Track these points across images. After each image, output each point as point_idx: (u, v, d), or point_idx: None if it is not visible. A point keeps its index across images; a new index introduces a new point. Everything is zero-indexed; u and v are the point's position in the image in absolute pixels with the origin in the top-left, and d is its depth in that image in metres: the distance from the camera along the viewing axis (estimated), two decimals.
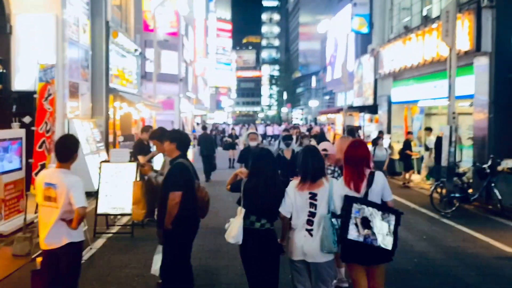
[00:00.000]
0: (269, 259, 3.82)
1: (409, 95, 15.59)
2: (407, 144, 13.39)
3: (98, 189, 7.51)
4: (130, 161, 7.88)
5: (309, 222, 3.71)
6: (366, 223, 3.64)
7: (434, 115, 15.46)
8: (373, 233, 3.64)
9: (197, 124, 43.09)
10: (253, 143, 8.44)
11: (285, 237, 3.89)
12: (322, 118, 34.42)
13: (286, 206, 3.78)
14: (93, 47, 13.42)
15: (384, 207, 3.76)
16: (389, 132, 16.59)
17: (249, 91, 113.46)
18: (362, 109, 20.02)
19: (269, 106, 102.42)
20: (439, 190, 10.08)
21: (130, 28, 17.17)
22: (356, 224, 3.64)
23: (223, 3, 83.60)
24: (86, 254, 6.26)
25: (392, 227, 3.69)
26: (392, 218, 3.71)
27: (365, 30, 19.79)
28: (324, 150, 5.23)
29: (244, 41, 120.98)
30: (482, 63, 11.17)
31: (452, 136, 10.83)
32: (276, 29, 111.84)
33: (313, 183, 3.75)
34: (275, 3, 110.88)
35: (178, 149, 4.48)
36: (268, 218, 3.83)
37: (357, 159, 3.84)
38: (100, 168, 7.67)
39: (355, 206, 3.66)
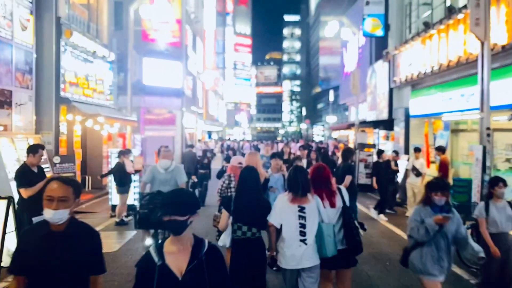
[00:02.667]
0: (259, 265, 4.21)
1: (430, 107, 12.66)
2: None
3: None
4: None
5: (302, 233, 4.12)
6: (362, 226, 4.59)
7: (462, 132, 12.44)
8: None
9: (215, 140, 40.67)
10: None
11: (274, 247, 4.27)
12: (334, 135, 31.49)
13: (275, 215, 4.18)
14: (39, 48, 11.09)
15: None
16: (406, 152, 13.67)
17: (270, 107, 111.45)
18: (376, 124, 17.12)
19: (290, 122, 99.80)
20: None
21: (102, 30, 14.87)
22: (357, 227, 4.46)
23: (242, 17, 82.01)
24: None
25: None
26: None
27: (379, 32, 16.96)
28: (240, 163, 5.78)
29: (267, 57, 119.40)
30: None
31: (486, 159, 7.99)
32: (298, 44, 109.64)
33: (301, 198, 4.20)
34: (297, 18, 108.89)
35: None
36: (258, 227, 4.24)
37: (323, 182, 4.44)
38: None
39: None
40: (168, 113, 29.12)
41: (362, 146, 16.95)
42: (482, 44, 8.16)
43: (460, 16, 9.85)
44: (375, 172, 12.00)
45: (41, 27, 11.27)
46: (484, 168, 8.27)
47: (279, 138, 70.16)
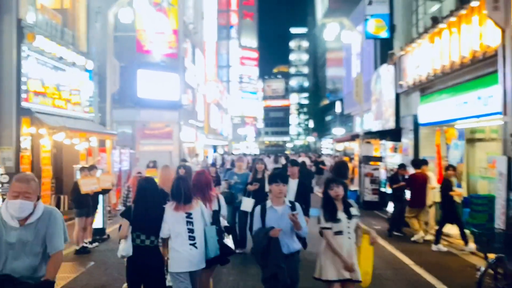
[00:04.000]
0: (156, 271, 4.47)
1: (442, 113, 11.14)
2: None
3: None
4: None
5: (191, 238, 4.45)
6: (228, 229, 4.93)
7: (480, 141, 10.90)
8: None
9: (220, 154, 39.22)
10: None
11: (165, 253, 4.62)
12: (339, 147, 29.93)
13: (163, 228, 4.47)
14: None
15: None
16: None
17: (278, 120, 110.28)
18: (382, 135, 15.63)
19: (297, 135, 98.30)
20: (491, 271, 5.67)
21: (79, 36, 13.63)
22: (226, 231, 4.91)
23: (248, 31, 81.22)
24: None
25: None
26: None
27: (384, 34, 15.56)
28: (139, 173, 7.48)
29: (275, 70, 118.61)
30: None
31: None
32: (305, 56, 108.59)
33: (186, 205, 4.52)
34: (304, 30, 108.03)
35: None
36: (155, 235, 4.50)
37: (204, 186, 5.01)
38: None
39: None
40: (165, 126, 27.85)
41: (368, 159, 15.47)
42: (503, 32, 6.73)
43: (475, 3, 8.40)
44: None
45: (0, 31, 10.05)
46: (509, 184, 6.77)
47: (287, 152, 68.57)
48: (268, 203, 4.51)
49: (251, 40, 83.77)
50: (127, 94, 25.96)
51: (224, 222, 5.02)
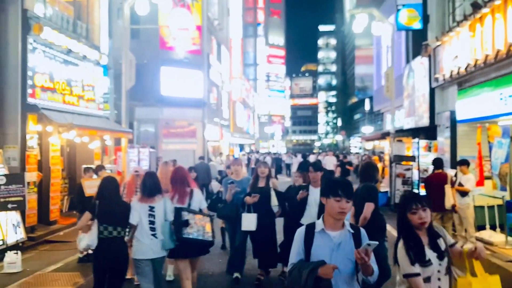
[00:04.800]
0: (122, 260, 4.78)
1: (484, 108, 10.01)
2: None
3: None
4: None
5: (152, 229, 4.86)
6: (187, 223, 4.95)
7: None
8: (198, 230, 5.01)
9: (245, 154, 38.45)
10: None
11: (129, 239, 4.95)
12: (368, 146, 28.65)
13: (132, 216, 4.83)
14: (2, 46, 9.35)
15: (201, 212, 5.26)
16: (454, 166, 11.01)
17: (305, 119, 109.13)
18: (415, 132, 14.50)
19: (326, 134, 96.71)
20: None
21: (94, 30, 13.06)
22: (184, 225, 4.92)
23: (275, 28, 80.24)
24: None
25: (210, 225, 5.20)
26: (208, 220, 5.22)
27: (417, 25, 14.42)
28: (136, 171, 6.32)
29: (303, 69, 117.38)
30: None
31: None
32: (333, 54, 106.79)
33: (149, 198, 4.91)
34: (332, 28, 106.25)
35: None
36: (122, 226, 4.79)
37: (178, 181, 5.30)
38: None
39: (183, 214, 4.96)
40: (189, 125, 27.27)
41: (399, 158, 14.36)
42: None
43: None
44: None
45: (5, 22, 9.53)
46: None
47: (315, 151, 67.30)
48: (319, 224, 2.94)
49: (279, 38, 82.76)
50: (150, 92, 25.51)
51: (185, 216, 5.03)
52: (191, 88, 26.58)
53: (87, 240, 4.75)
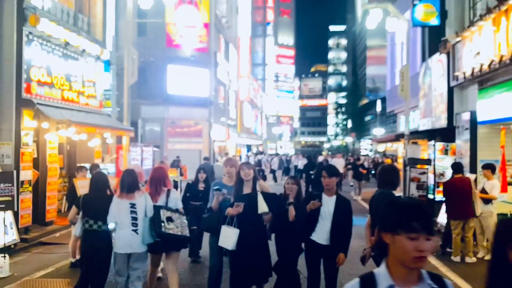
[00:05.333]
0: (104, 252, 5.16)
1: (508, 109, 9.32)
2: None
3: None
4: None
5: (134, 224, 5.03)
6: (170, 220, 5.16)
7: None
8: (177, 227, 5.20)
9: (250, 155, 37.81)
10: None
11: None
12: (380, 148, 27.86)
13: (109, 216, 5.04)
14: None
15: (177, 210, 5.41)
16: (473, 170, 10.33)
17: (314, 120, 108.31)
18: (431, 134, 13.79)
19: (335, 136, 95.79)
20: None
21: (95, 23, 12.54)
22: (163, 222, 5.08)
23: (285, 28, 79.55)
24: None
25: (186, 222, 5.39)
26: (184, 218, 5.41)
27: (434, 21, 13.69)
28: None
29: (312, 69, 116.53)
30: None
31: None
32: (343, 54, 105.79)
33: (129, 194, 5.08)
34: (342, 28, 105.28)
35: None
36: (102, 221, 5.10)
37: (156, 181, 5.55)
38: None
39: (162, 211, 5.14)
40: (195, 124, 26.73)
41: (414, 161, 13.67)
42: None
43: None
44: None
45: (0, 12, 9.02)
46: None
47: (324, 153, 66.48)
48: (383, 277, 1.88)
49: (288, 38, 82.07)
50: (156, 90, 25.03)
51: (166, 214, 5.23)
52: (197, 87, 26.05)
53: (75, 229, 5.59)
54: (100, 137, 11.95)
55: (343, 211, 4.80)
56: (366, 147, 66.32)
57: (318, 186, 6.05)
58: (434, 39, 14.09)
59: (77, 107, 11.11)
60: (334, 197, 4.84)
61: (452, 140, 12.18)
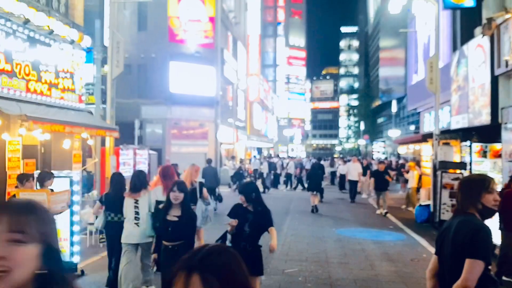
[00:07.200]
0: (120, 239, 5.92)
1: None
2: None
3: None
4: None
5: (136, 218, 5.79)
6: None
7: None
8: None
9: (259, 158, 35.85)
10: None
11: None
12: (401, 150, 25.76)
13: (124, 208, 5.93)
14: None
15: None
16: None
17: (326, 123, 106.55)
18: (466, 134, 11.80)
19: (347, 139, 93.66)
20: None
21: (74, 7, 10.77)
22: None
23: (296, 30, 77.73)
24: None
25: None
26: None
27: (469, 2, 11.77)
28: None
29: (324, 72, 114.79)
30: None
31: None
32: (355, 56, 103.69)
33: (134, 193, 5.89)
34: (354, 29, 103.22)
35: None
36: (122, 214, 5.96)
37: (168, 177, 6.49)
38: None
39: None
40: (200, 125, 24.91)
41: (446, 165, 11.73)
42: None
43: None
44: None
45: None
46: None
47: (336, 155, 64.41)
48: None
49: (299, 39, 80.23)
50: (157, 89, 23.29)
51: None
52: (203, 85, 24.26)
53: (97, 222, 6.28)
54: (79, 138, 10.19)
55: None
56: (378, 150, 64.15)
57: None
58: (468, 24, 12.16)
59: (47, 101, 9.33)
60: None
61: (493, 139, 10.21)
